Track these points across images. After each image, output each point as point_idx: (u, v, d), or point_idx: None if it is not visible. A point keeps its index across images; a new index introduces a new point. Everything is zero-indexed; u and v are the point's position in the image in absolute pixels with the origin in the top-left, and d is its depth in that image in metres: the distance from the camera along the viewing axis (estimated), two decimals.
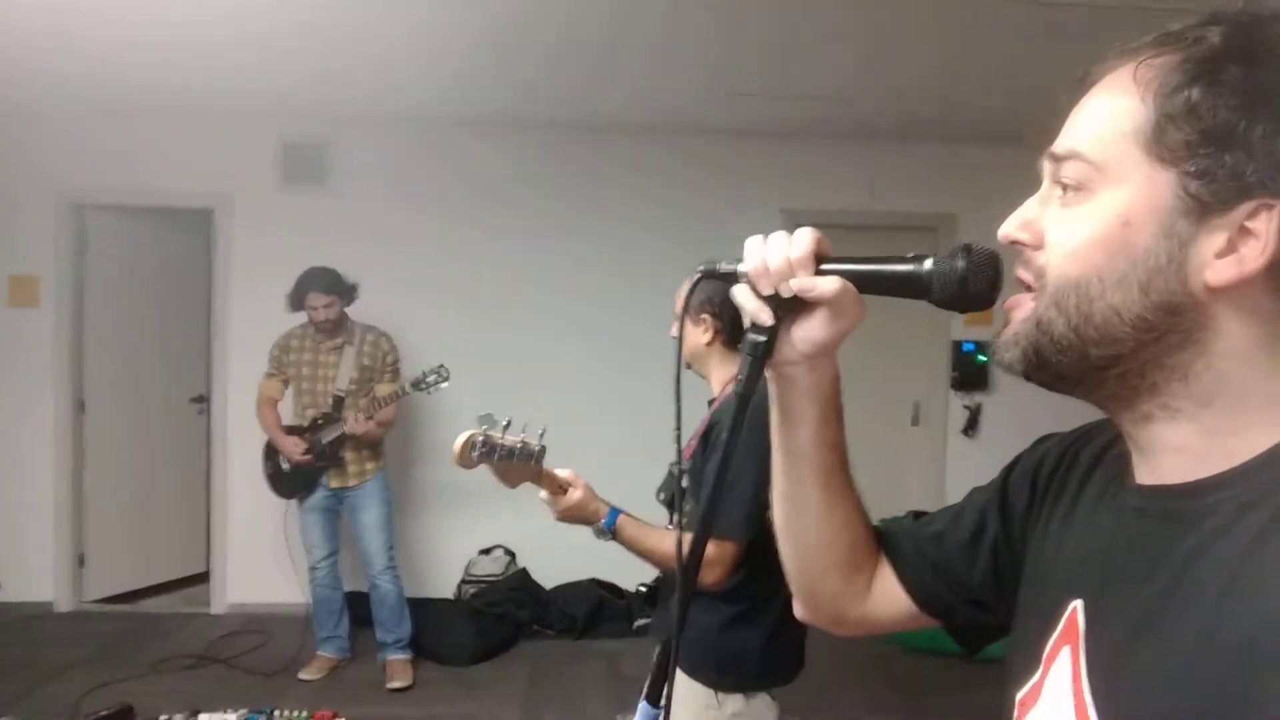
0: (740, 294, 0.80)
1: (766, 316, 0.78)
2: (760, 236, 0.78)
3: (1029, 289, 0.66)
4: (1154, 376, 0.62)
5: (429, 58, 3.89)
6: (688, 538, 0.87)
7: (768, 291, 0.78)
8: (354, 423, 3.88)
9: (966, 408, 5.33)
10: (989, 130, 4.54)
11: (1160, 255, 0.59)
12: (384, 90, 4.39)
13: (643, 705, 0.89)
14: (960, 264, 0.71)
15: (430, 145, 4.98)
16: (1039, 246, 0.65)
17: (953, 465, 5.28)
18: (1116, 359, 0.62)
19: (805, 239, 0.76)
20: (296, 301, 4.01)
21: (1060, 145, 0.65)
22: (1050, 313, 0.63)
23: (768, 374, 0.83)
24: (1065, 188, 0.64)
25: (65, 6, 3.28)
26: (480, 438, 1.70)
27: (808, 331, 0.79)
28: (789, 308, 0.78)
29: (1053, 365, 0.65)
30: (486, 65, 3.98)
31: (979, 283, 0.71)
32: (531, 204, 5.03)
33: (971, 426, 5.31)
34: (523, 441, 1.74)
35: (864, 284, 0.76)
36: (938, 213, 4.97)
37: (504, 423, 1.74)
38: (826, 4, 3.21)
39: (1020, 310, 0.66)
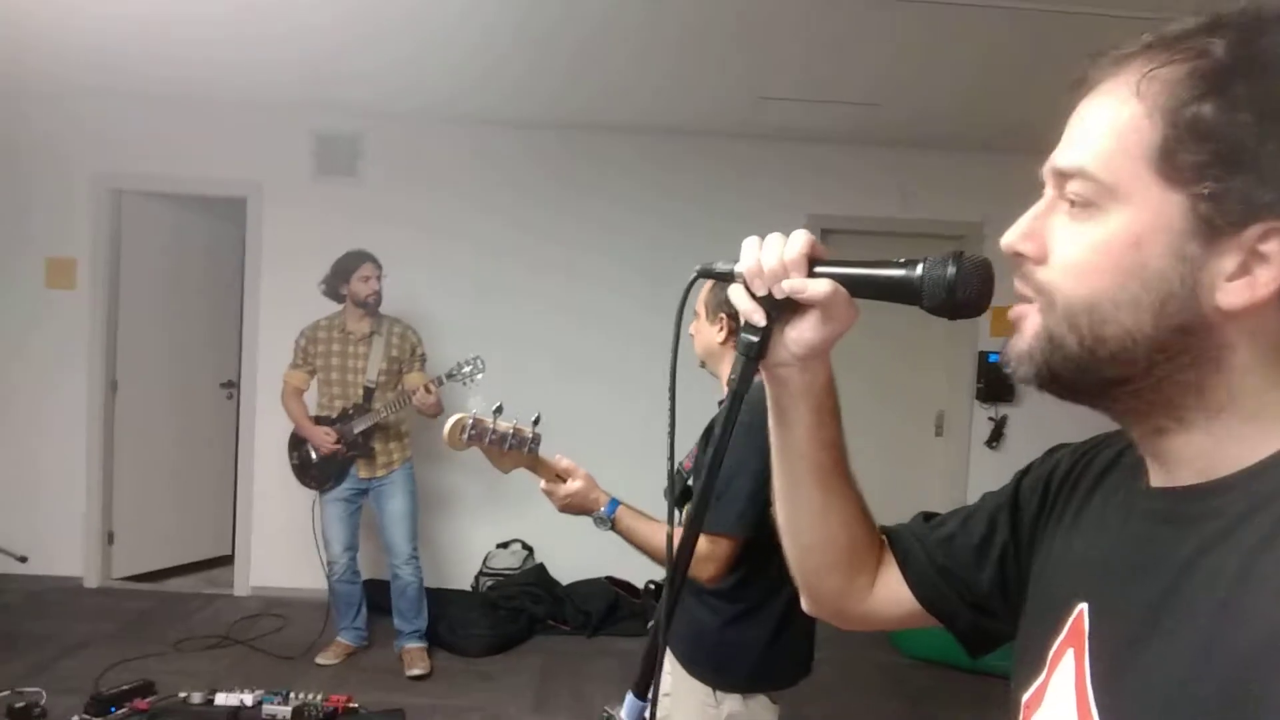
0: (735, 294, 0.81)
1: (759, 317, 0.79)
2: (756, 238, 0.79)
3: (1025, 299, 0.66)
4: (1168, 392, 0.61)
5: (459, 55, 3.92)
6: (678, 532, 0.88)
7: (761, 292, 0.79)
8: (422, 394, 3.88)
9: (991, 419, 5.27)
10: (1019, 139, 4.49)
11: (1172, 278, 0.58)
12: (414, 85, 4.43)
13: (630, 698, 0.90)
14: (950, 270, 0.71)
15: (458, 140, 5.03)
16: (1042, 260, 0.64)
17: (975, 476, 5.23)
18: (1130, 377, 0.62)
19: (799, 241, 0.77)
20: (339, 281, 4.06)
21: (1066, 161, 0.63)
22: (1061, 329, 0.63)
23: (762, 374, 0.84)
24: (1072, 202, 0.63)
25: (107, 1, 3.36)
26: (470, 420, 1.74)
27: (800, 333, 0.80)
28: (782, 309, 0.79)
29: (1067, 381, 0.65)
30: (515, 64, 4.00)
31: (967, 290, 0.71)
32: (558, 200, 5.07)
33: (996, 438, 5.26)
34: (515, 428, 1.78)
35: (856, 287, 0.77)
36: (968, 221, 4.92)
37: (494, 407, 1.78)
38: (857, 11, 3.20)
39: (1028, 323, 0.66)
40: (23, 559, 4.97)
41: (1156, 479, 0.66)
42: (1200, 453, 0.62)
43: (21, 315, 4.99)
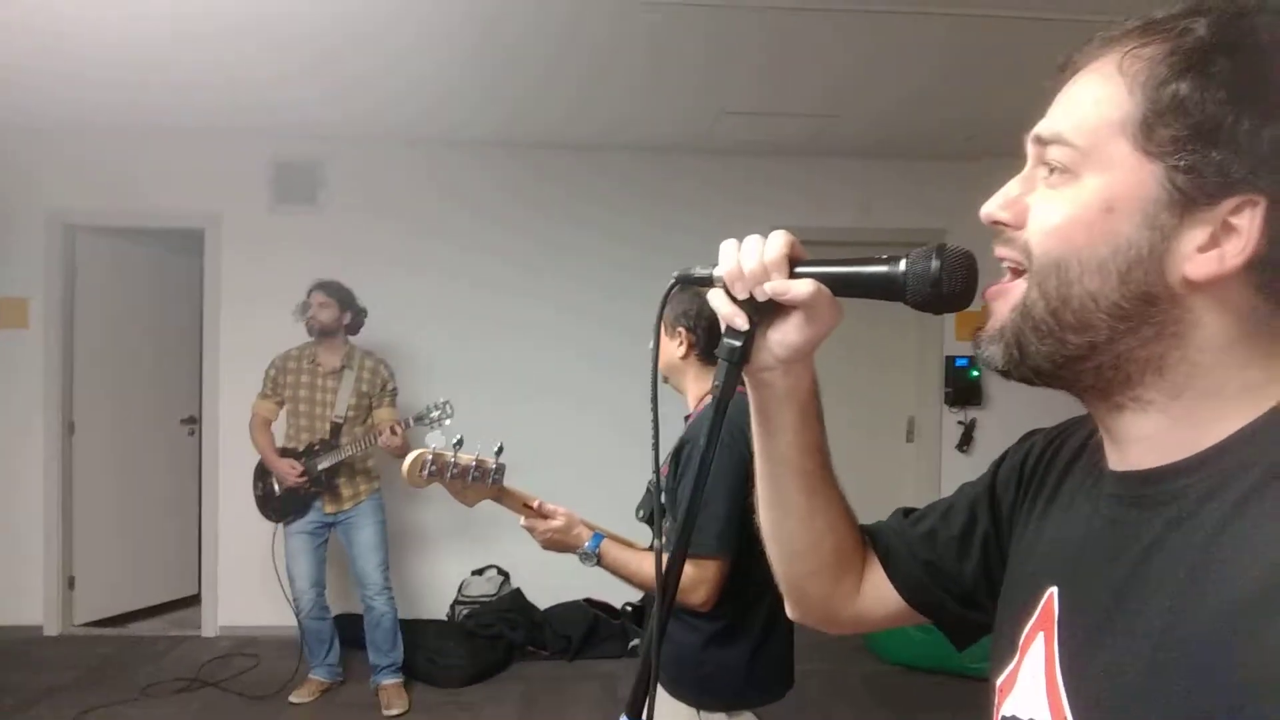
0: (715, 299, 0.79)
1: (742, 321, 0.78)
2: (734, 240, 0.78)
3: (1013, 271, 0.66)
4: (1129, 368, 0.62)
5: (419, 79, 3.90)
6: (666, 555, 0.86)
7: (742, 295, 0.77)
8: (388, 435, 3.77)
9: (960, 423, 5.31)
10: (978, 146, 4.57)
11: (1142, 245, 0.59)
12: (374, 111, 4.40)
13: None
14: (934, 264, 0.70)
15: (420, 164, 4.99)
16: (1021, 226, 0.65)
17: (947, 481, 5.26)
18: (1093, 348, 0.62)
19: (779, 242, 0.76)
20: (304, 306, 4.06)
21: (1046, 128, 0.65)
22: (1033, 294, 0.63)
23: (745, 380, 0.83)
24: (1051, 169, 0.64)
25: (55, 28, 3.29)
26: (430, 456, 1.70)
27: (784, 335, 0.78)
28: (764, 312, 0.78)
29: (1032, 356, 0.65)
30: (477, 87, 4.00)
31: (953, 283, 0.70)
32: (522, 222, 5.04)
33: (965, 442, 5.30)
34: (478, 460, 1.74)
35: (839, 286, 0.75)
36: (929, 228, 4.97)
37: (455, 440, 1.74)
38: (814, 23, 3.23)
39: (1006, 299, 0.66)
40: None
41: (1115, 462, 0.67)
42: (1156, 434, 0.62)
43: None
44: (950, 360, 5.27)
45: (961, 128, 4.46)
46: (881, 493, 5.12)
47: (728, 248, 0.78)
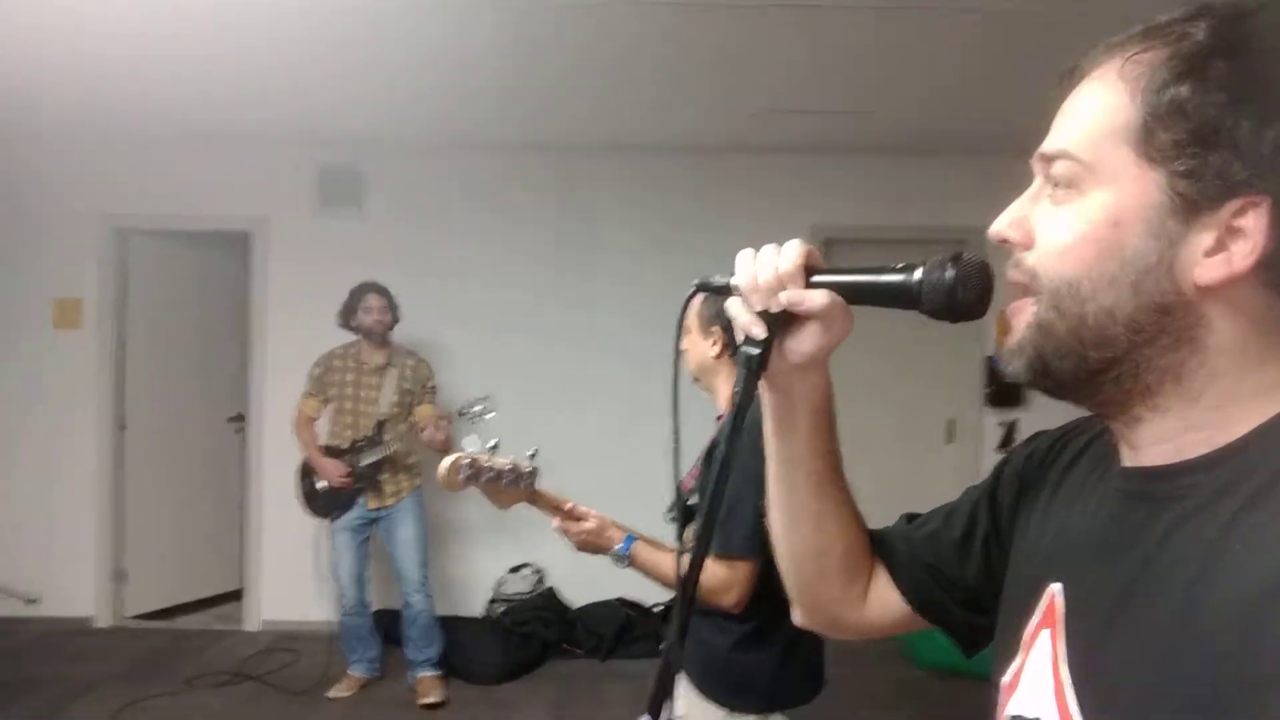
0: (733, 307, 0.80)
1: (759, 330, 0.78)
2: (751, 250, 0.78)
3: (1025, 291, 0.66)
4: (1147, 378, 0.62)
5: (465, 88, 3.96)
6: (687, 554, 0.87)
7: (758, 307, 0.77)
8: (431, 431, 3.86)
9: (1001, 424, 5.24)
10: (1013, 143, 4.50)
11: (1150, 255, 0.59)
12: (418, 117, 4.46)
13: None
14: (949, 274, 0.70)
15: (465, 168, 5.05)
16: (1029, 246, 0.65)
17: None
18: (1113, 361, 0.62)
19: (793, 252, 0.76)
20: (349, 314, 4.12)
21: (1050, 145, 0.65)
22: (1050, 315, 0.63)
23: (761, 384, 0.83)
24: (1056, 184, 0.64)
25: (108, 41, 3.38)
26: (466, 460, 1.71)
27: (799, 343, 0.79)
28: (781, 320, 0.78)
29: (1055, 371, 0.65)
30: (515, 91, 4.04)
31: (968, 292, 0.70)
32: (561, 224, 5.08)
33: (1006, 443, 5.21)
34: (512, 463, 1.75)
35: (853, 296, 0.75)
36: (965, 226, 4.91)
37: (490, 444, 1.75)
38: (846, 20, 3.21)
39: (1022, 315, 0.66)
40: (32, 600, 4.96)
41: (1127, 460, 0.67)
42: (1173, 436, 0.62)
43: (30, 357, 5.00)
44: (989, 361, 5.19)
45: (995, 123, 4.39)
46: (920, 495, 5.00)
47: (744, 257, 0.78)
